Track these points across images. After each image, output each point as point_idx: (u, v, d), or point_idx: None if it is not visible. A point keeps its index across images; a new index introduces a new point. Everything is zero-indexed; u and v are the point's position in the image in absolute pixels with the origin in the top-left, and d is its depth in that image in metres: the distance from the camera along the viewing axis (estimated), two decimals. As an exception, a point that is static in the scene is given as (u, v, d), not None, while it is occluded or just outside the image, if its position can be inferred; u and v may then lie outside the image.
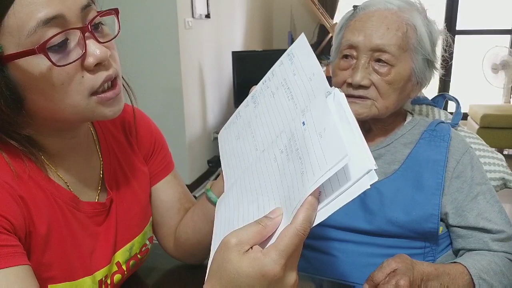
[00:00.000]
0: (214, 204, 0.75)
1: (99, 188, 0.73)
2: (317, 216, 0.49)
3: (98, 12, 0.60)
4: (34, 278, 0.56)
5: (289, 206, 0.51)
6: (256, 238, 0.48)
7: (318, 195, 0.49)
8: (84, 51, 0.56)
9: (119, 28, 0.63)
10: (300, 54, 0.64)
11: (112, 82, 0.61)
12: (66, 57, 0.55)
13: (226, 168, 0.72)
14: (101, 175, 0.74)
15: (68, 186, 0.68)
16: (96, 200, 0.72)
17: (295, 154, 0.53)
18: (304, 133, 0.53)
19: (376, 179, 0.46)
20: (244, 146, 0.69)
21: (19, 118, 0.58)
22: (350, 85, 0.92)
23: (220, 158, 0.76)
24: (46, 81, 0.55)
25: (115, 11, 0.63)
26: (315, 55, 0.61)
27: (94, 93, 0.59)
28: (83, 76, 0.57)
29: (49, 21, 0.53)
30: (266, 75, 0.70)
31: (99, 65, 0.58)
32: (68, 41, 0.56)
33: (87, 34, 0.57)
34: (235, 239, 0.47)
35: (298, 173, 0.51)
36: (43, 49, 0.53)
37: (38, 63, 0.54)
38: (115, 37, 0.62)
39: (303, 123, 0.55)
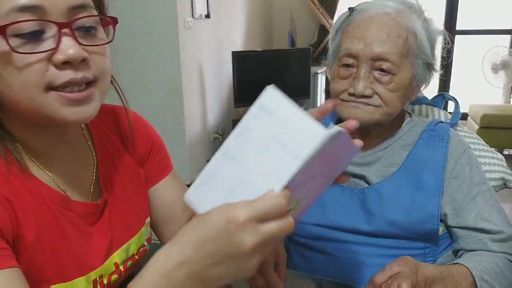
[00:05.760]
0: None
1: (92, 187, 0.72)
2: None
3: (96, 15, 0.60)
4: (24, 281, 0.56)
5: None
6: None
7: None
8: (56, 46, 0.56)
9: (113, 38, 0.63)
10: (278, 108, 0.58)
11: (86, 85, 0.59)
12: (34, 47, 0.55)
13: None
14: (94, 175, 0.73)
15: (58, 185, 0.66)
16: (89, 200, 0.71)
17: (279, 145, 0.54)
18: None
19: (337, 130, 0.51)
20: None
21: None
22: (352, 94, 0.90)
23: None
24: (4, 65, 0.55)
25: (113, 21, 0.62)
26: (294, 104, 0.57)
27: (54, 89, 0.57)
28: (47, 70, 0.56)
29: (25, 9, 0.53)
30: (236, 131, 0.60)
31: (68, 64, 0.57)
32: (44, 33, 0.56)
33: (66, 30, 0.56)
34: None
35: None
36: (3, 31, 0.53)
37: (0, 45, 0.54)
38: (106, 43, 0.62)
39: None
